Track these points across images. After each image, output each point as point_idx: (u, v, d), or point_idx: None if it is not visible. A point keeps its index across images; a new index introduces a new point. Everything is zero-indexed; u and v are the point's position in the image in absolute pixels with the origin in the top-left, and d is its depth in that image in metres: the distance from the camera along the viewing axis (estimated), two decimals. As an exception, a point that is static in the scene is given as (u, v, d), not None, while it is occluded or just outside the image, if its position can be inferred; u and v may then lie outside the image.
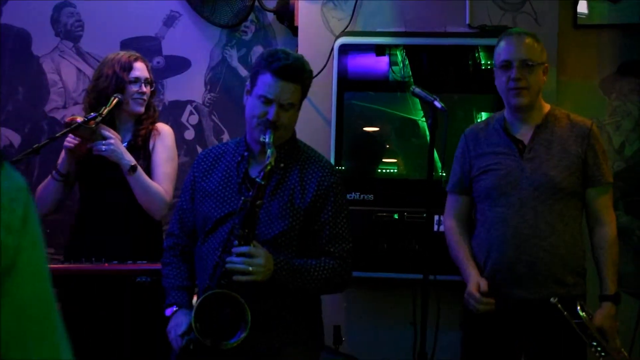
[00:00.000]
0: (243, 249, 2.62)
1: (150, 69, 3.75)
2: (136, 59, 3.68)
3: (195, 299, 2.84)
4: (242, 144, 2.90)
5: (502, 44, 3.15)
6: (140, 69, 3.66)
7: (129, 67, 3.64)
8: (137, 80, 3.63)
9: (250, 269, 2.60)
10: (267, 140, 2.68)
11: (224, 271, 2.63)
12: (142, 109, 3.66)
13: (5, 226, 1.09)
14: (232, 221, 2.73)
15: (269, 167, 2.60)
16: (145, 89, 3.65)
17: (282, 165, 2.77)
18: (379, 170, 3.93)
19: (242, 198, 2.66)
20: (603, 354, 2.99)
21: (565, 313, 2.95)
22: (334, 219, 2.79)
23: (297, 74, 2.77)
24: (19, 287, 1.13)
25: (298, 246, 2.76)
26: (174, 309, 2.82)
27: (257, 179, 2.61)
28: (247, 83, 2.87)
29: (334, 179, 2.85)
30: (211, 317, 2.62)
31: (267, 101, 2.74)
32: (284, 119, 2.76)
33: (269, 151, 2.63)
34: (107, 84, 3.60)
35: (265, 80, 2.74)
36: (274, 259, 2.66)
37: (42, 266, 1.18)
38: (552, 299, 2.96)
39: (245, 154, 2.85)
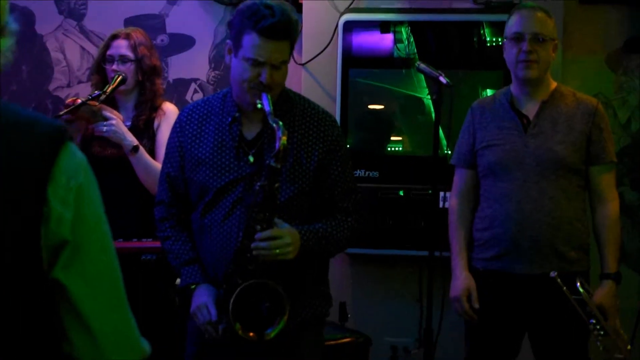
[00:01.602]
0: (267, 233, 2.51)
1: (137, 46, 3.59)
2: (116, 37, 3.62)
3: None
4: (229, 103, 2.70)
5: (515, 16, 3.14)
6: (116, 47, 3.59)
7: (106, 45, 3.63)
8: (111, 58, 3.60)
9: (278, 251, 2.52)
10: (267, 109, 2.51)
11: (250, 257, 2.53)
12: (123, 86, 3.62)
13: (61, 201, 1.21)
14: (242, 193, 2.61)
15: (282, 148, 2.45)
16: (120, 67, 3.57)
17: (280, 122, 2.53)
18: (385, 148, 3.92)
19: (258, 184, 2.50)
20: (602, 332, 2.97)
21: (564, 288, 2.94)
22: (343, 173, 2.71)
23: (286, 30, 2.54)
24: (86, 262, 1.25)
25: (309, 206, 2.68)
26: (193, 288, 2.68)
27: (272, 163, 2.46)
28: (229, 41, 2.62)
29: (337, 131, 2.73)
30: (246, 308, 2.53)
31: (257, 64, 2.55)
32: (277, 78, 2.58)
33: (278, 132, 2.45)
34: (94, 63, 3.69)
35: (253, 42, 2.52)
36: (298, 231, 2.58)
37: (106, 242, 1.29)
38: (551, 273, 2.95)
39: (237, 115, 2.67)
